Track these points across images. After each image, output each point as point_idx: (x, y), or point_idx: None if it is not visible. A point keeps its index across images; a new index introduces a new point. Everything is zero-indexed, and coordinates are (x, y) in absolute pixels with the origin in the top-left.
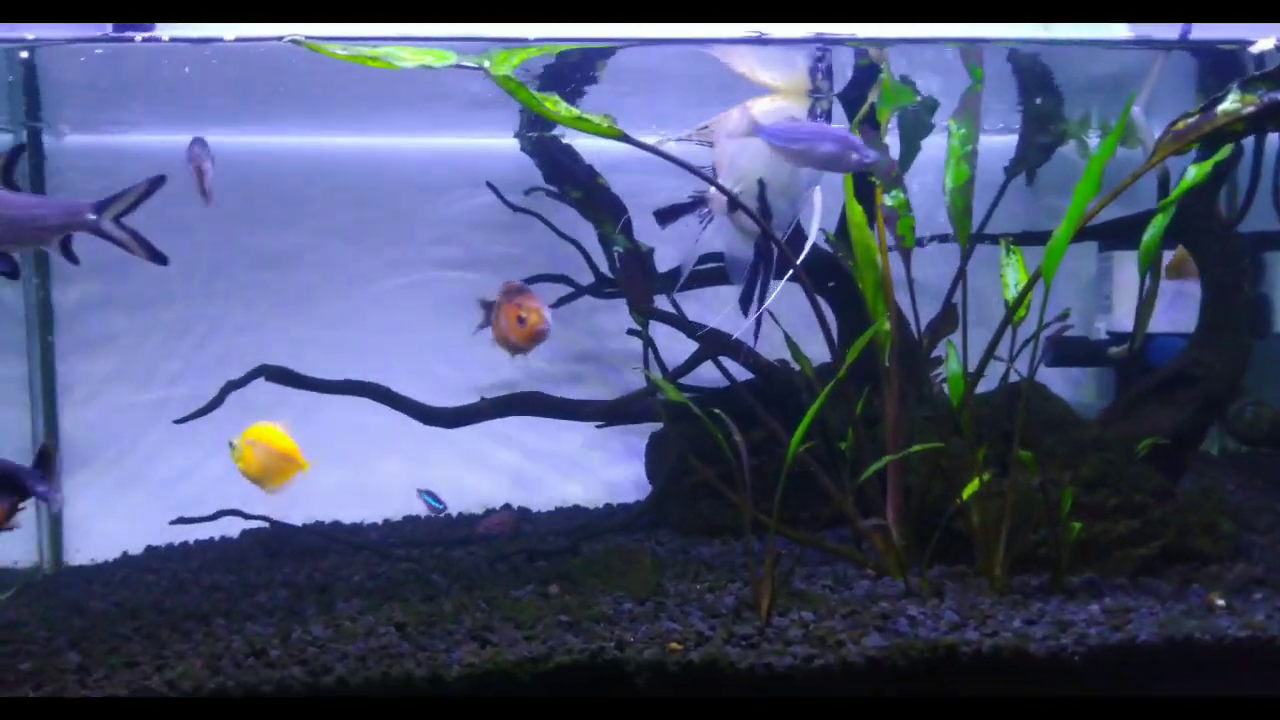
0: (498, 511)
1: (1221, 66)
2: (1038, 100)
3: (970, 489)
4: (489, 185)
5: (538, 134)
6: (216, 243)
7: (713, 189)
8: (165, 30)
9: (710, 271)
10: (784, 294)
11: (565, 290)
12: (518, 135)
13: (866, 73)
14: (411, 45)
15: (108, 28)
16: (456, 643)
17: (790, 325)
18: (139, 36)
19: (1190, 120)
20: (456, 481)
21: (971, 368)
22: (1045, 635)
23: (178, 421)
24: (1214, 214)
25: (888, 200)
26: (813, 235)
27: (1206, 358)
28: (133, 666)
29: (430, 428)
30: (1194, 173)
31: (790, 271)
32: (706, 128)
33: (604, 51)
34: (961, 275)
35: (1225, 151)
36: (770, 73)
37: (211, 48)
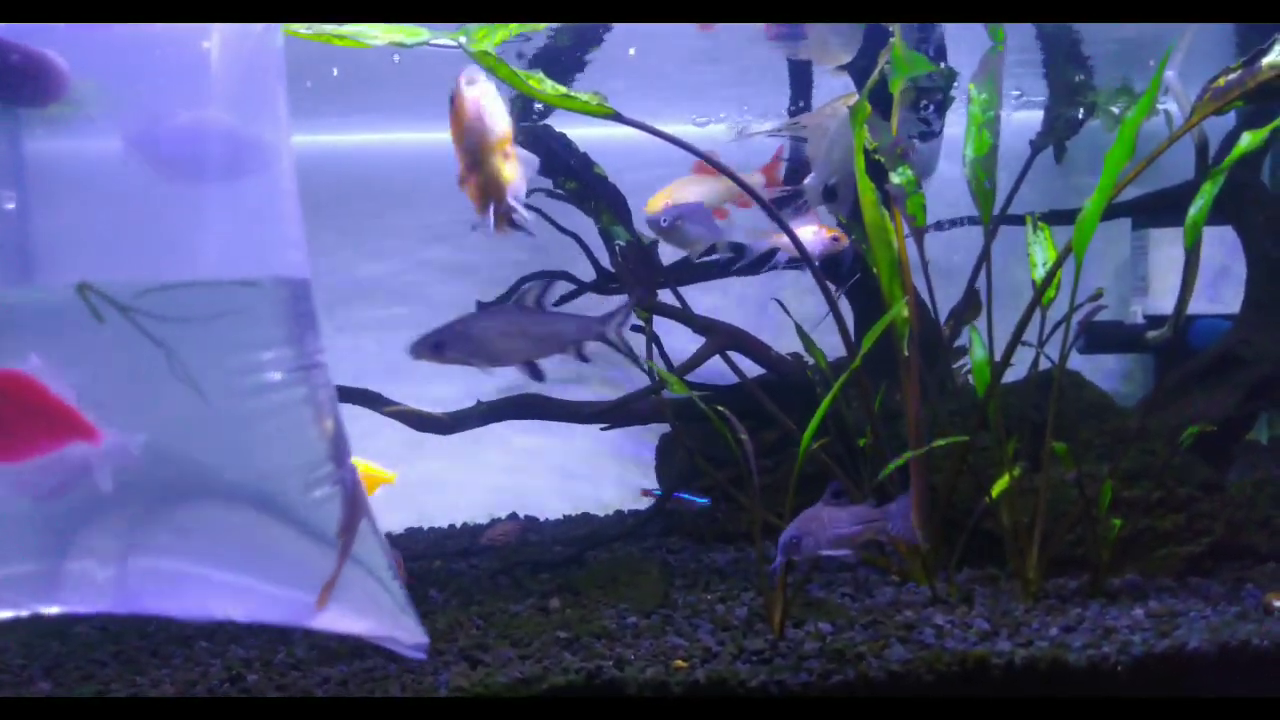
0: (503, 521)
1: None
2: (1065, 69)
3: (1000, 486)
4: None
5: (529, 123)
6: None
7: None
8: None
9: (721, 262)
10: (797, 286)
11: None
12: None
13: (877, 38)
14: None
15: None
16: (446, 663)
17: (805, 320)
18: None
19: (1232, 76)
20: (460, 489)
21: (998, 355)
22: (1085, 644)
23: None
24: (1259, 183)
25: (895, 178)
26: None
27: (1254, 337)
28: (103, 696)
29: (427, 434)
30: (1249, 139)
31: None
32: (798, 123)
33: (595, 38)
34: (985, 256)
35: None
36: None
37: None
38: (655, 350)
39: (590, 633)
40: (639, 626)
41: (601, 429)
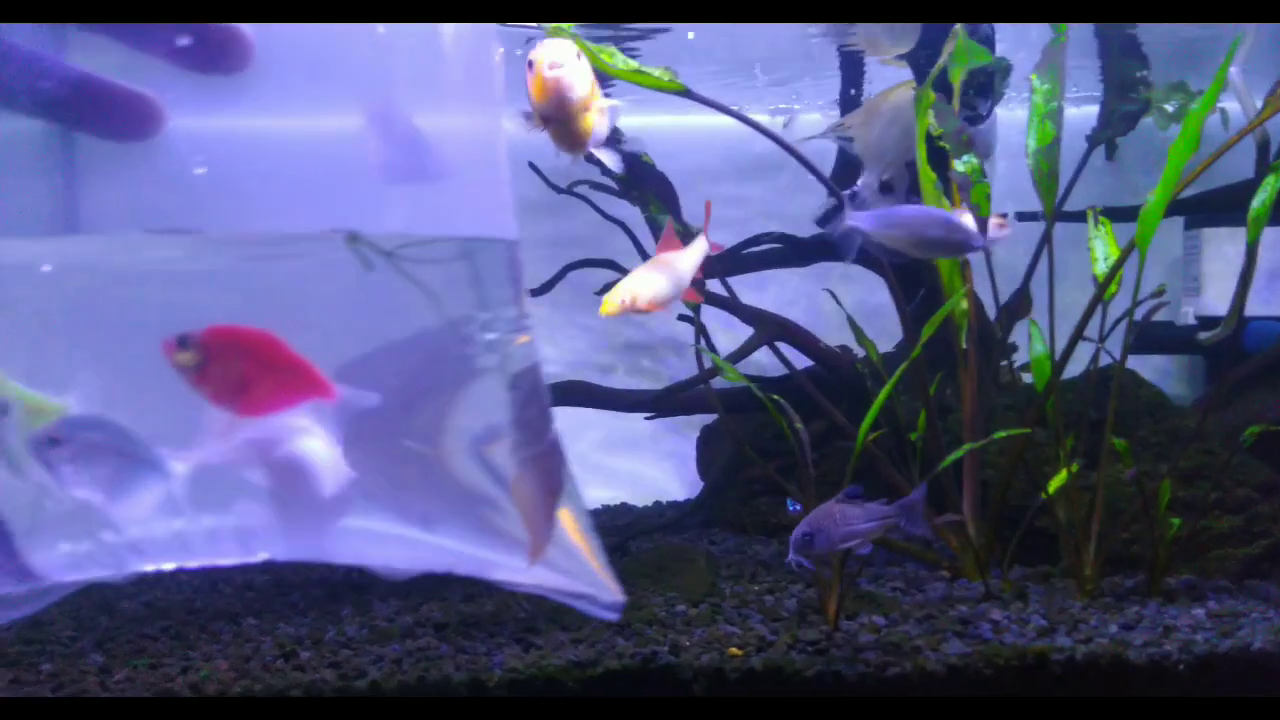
0: None
1: None
2: (1123, 64)
3: (1057, 481)
4: (531, 166)
5: None
6: None
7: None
8: None
9: (768, 253)
10: (845, 279)
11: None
12: None
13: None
14: None
15: None
16: (499, 645)
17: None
18: None
19: None
20: None
21: (1057, 352)
22: (1145, 642)
23: None
24: None
25: (959, 166)
26: None
27: None
28: (156, 668)
29: None
30: None
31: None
32: (843, 124)
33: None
34: (1047, 242)
35: None
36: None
37: None
38: (702, 340)
39: (641, 619)
40: (689, 614)
41: (645, 418)
